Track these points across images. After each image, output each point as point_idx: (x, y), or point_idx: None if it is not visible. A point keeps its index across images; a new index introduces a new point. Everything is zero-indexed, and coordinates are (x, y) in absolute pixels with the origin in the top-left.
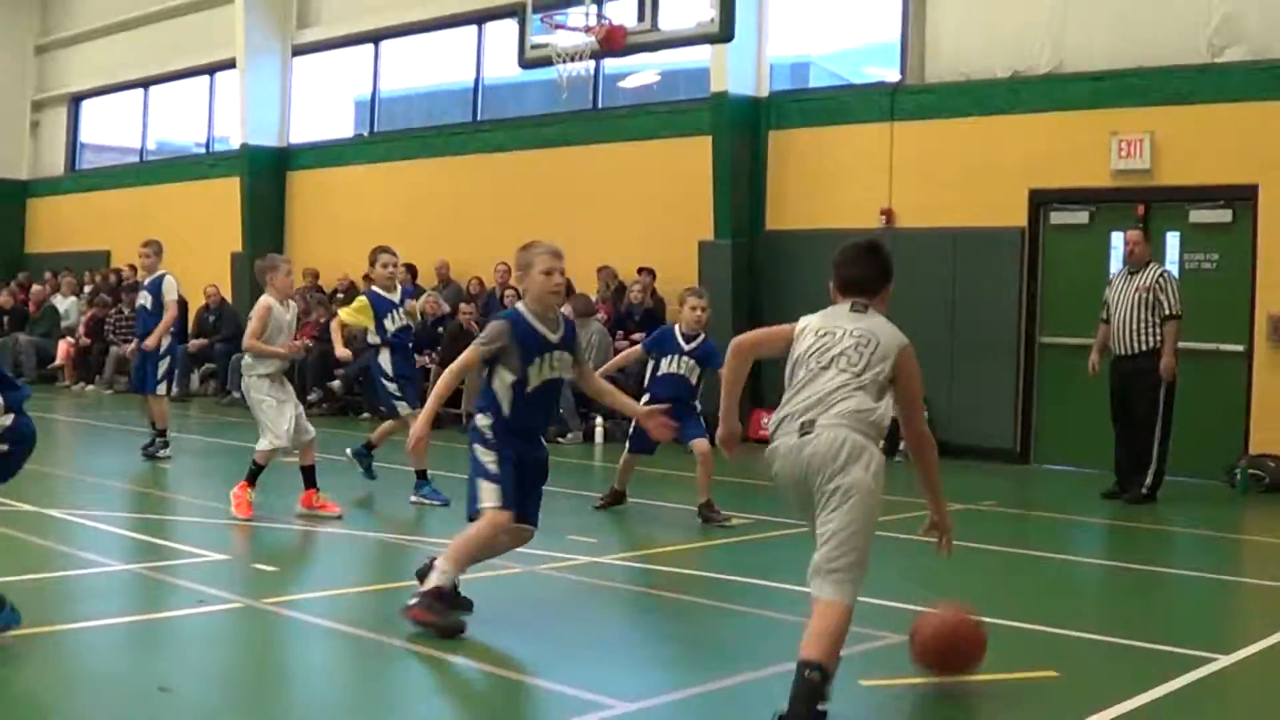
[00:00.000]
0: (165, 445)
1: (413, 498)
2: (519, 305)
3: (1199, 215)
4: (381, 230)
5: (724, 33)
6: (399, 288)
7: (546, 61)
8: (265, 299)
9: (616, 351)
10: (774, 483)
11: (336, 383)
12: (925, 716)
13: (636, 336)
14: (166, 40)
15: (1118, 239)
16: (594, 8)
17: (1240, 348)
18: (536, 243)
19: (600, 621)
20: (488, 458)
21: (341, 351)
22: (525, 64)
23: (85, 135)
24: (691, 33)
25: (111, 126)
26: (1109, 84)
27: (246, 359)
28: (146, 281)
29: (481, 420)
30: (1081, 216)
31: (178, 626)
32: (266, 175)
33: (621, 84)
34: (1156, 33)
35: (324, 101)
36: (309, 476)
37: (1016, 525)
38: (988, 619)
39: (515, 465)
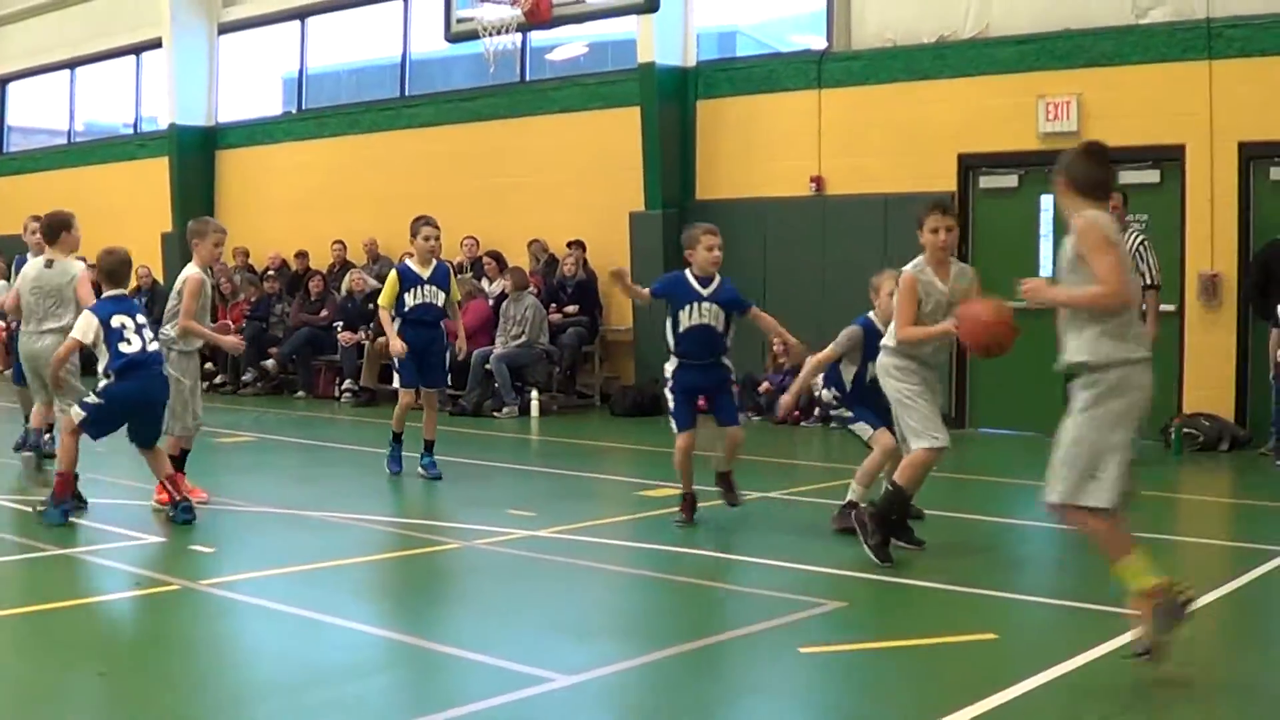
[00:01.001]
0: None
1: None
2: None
3: (1127, 176)
4: (311, 208)
5: (649, 3)
6: (433, 262)
7: (473, 35)
8: (195, 272)
9: (552, 325)
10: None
11: (270, 361)
12: (865, 681)
13: (570, 309)
14: (93, 21)
15: (1047, 202)
16: None
17: (1172, 308)
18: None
19: (539, 595)
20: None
21: (396, 345)
22: (452, 38)
23: (12, 118)
24: (617, 3)
25: (39, 109)
26: (1035, 47)
27: (167, 332)
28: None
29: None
30: (1010, 180)
31: (115, 610)
32: (195, 154)
33: (549, 56)
34: None
35: (252, 79)
36: (182, 460)
37: (954, 489)
38: (926, 583)
39: None
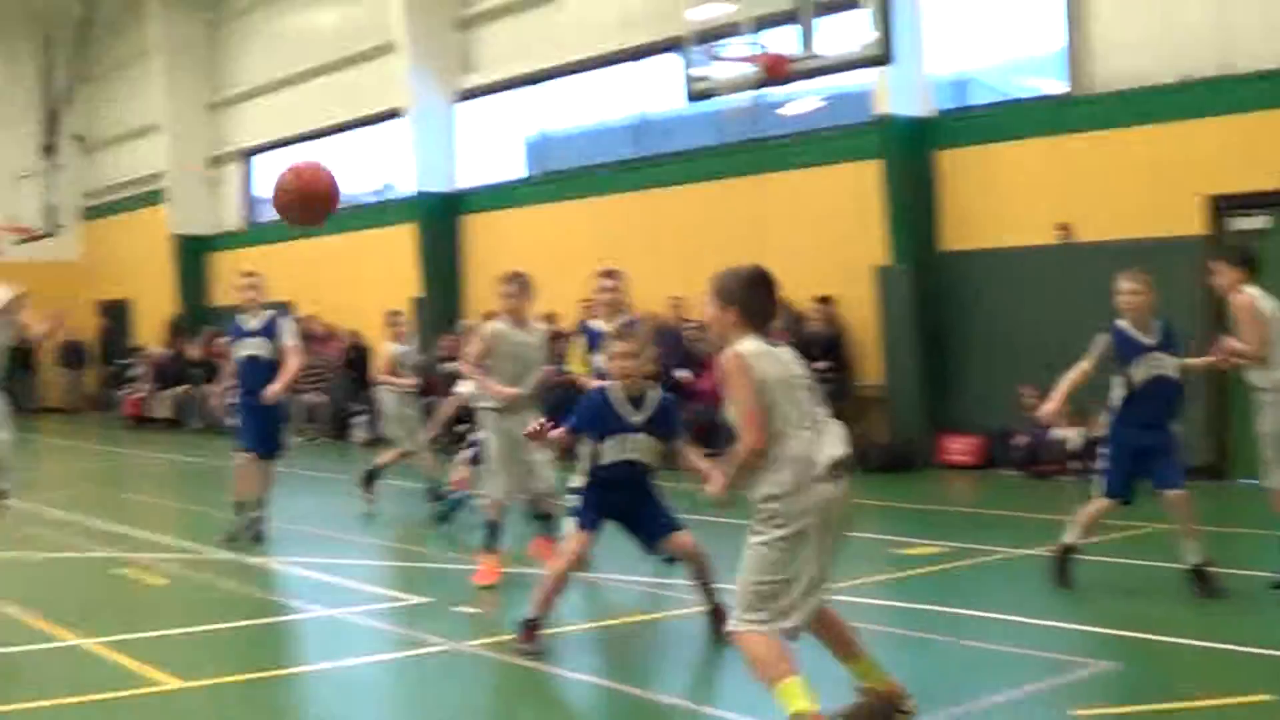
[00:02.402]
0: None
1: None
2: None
3: None
4: (554, 269)
5: (885, 54)
6: (620, 314)
7: (711, 94)
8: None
9: None
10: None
11: None
12: None
13: (818, 366)
14: (335, 92)
15: None
16: (754, 38)
17: None
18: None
19: (801, 655)
20: None
21: None
22: (691, 97)
23: (261, 189)
24: (852, 57)
25: None
26: None
27: None
28: (255, 323)
29: None
30: (1262, 220)
31: (385, 670)
32: (439, 220)
33: (781, 111)
34: None
35: (491, 144)
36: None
37: (1219, 544)
38: (1197, 641)
39: None
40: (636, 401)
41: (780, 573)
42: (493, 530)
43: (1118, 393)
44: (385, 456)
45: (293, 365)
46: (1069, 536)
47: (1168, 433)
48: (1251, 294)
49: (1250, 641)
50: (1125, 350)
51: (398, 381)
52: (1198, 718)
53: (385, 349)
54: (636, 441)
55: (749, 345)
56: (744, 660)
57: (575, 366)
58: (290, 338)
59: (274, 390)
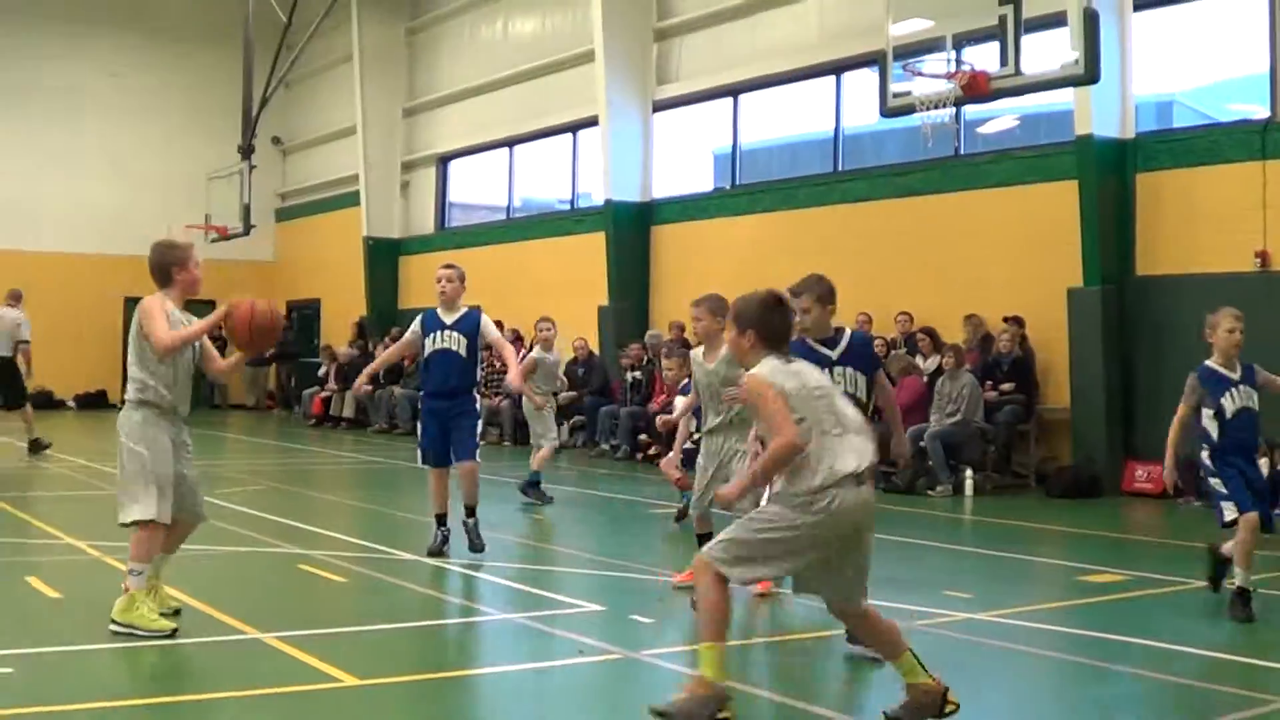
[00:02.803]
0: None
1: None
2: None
3: None
4: (744, 282)
5: (1089, 74)
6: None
7: (909, 110)
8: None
9: (988, 403)
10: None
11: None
12: None
13: (1005, 387)
14: (529, 100)
15: None
16: (955, 54)
17: None
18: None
19: (979, 681)
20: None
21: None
22: (887, 113)
23: (453, 194)
24: (1055, 75)
25: (478, 185)
26: None
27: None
28: (455, 318)
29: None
30: None
31: (558, 676)
32: (630, 230)
33: (980, 130)
34: None
35: (684, 155)
36: None
37: None
38: None
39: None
40: None
41: (774, 547)
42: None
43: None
44: (535, 458)
45: (510, 354)
46: (1239, 580)
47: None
48: None
49: None
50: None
51: (528, 391)
52: None
53: (529, 355)
54: None
55: (766, 365)
56: (696, 595)
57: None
58: (494, 331)
59: (512, 377)
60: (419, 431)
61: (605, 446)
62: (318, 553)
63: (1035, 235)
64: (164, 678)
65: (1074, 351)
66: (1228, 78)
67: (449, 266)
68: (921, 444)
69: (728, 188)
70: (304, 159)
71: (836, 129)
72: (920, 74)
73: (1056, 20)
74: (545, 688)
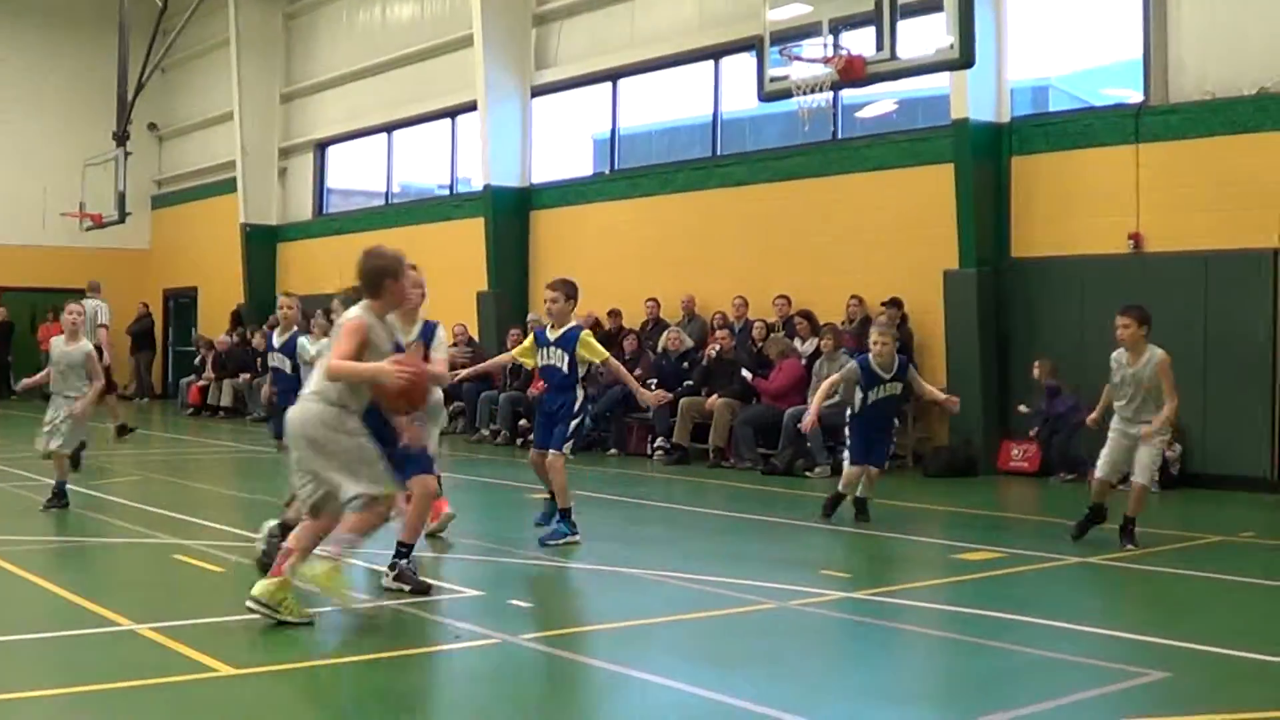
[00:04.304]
0: None
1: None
2: None
3: None
4: (624, 267)
5: (964, 59)
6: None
7: (786, 94)
8: None
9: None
10: None
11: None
12: None
13: None
14: (408, 85)
15: None
16: (832, 39)
17: None
18: None
19: (854, 658)
20: None
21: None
22: (765, 97)
23: (332, 180)
24: (931, 60)
25: (357, 171)
26: None
27: None
28: (280, 343)
29: None
30: None
31: (435, 662)
32: (510, 215)
33: (859, 114)
34: None
35: (564, 141)
36: None
37: (1277, 557)
38: (1254, 654)
39: None
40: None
41: None
42: None
43: None
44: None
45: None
46: None
47: None
48: None
49: None
50: None
51: None
52: None
53: None
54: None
55: None
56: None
57: (524, 358)
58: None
59: None
60: None
61: (485, 432)
62: (195, 543)
63: (912, 218)
64: (36, 671)
65: (950, 333)
66: (1102, 63)
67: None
68: (800, 426)
69: (607, 173)
70: (180, 145)
71: (715, 113)
72: (797, 58)
73: (933, 5)
74: (422, 673)
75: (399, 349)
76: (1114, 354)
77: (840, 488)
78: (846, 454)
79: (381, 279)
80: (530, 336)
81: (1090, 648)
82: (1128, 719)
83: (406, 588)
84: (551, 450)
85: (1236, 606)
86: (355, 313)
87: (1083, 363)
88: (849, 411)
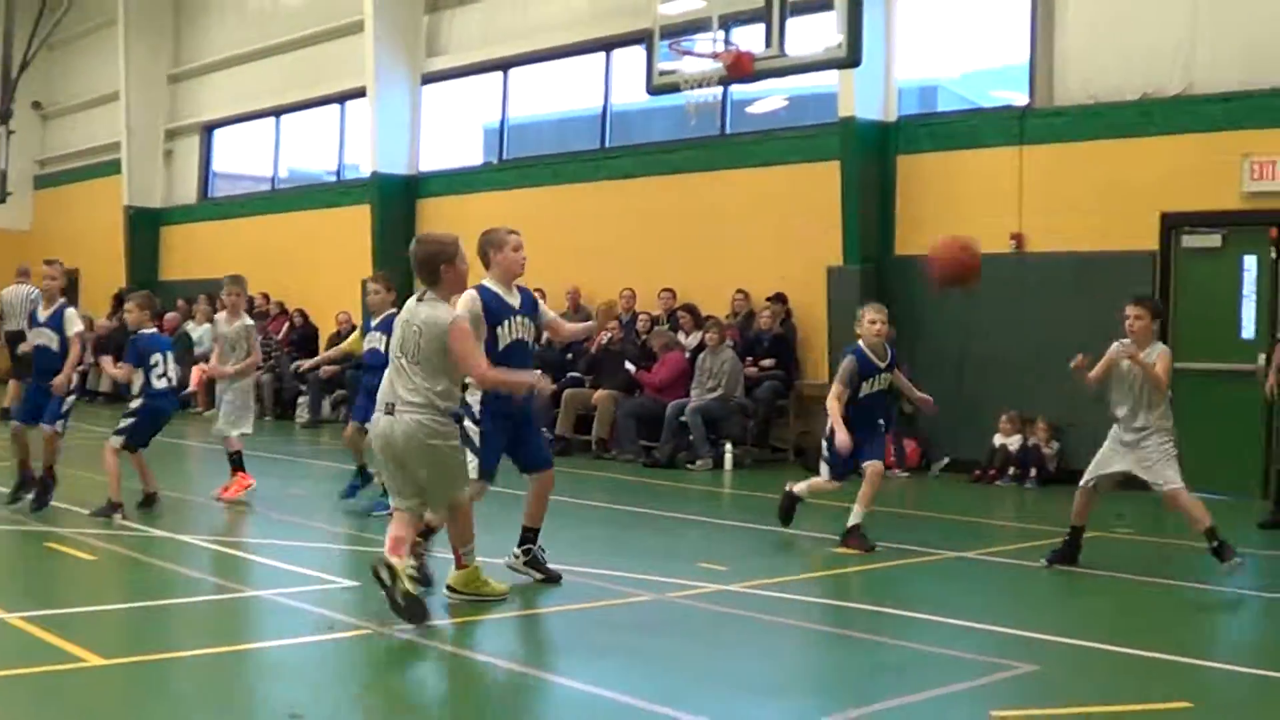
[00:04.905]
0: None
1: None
2: None
3: None
4: None
5: (851, 57)
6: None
7: (674, 88)
8: None
9: (748, 378)
10: None
11: None
12: None
13: (766, 363)
14: (297, 69)
15: (1250, 262)
16: (722, 34)
17: None
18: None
19: (729, 650)
20: None
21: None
22: (653, 90)
23: (218, 164)
24: (819, 58)
25: (243, 155)
26: (1240, 105)
27: None
28: (45, 316)
29: None
30: (1214, 239)
31: (309, 652)
32: (397, 203)
33: (749, 110)
34: None
35: (453, 129)
36: None
37: (1153, 552)
38: (1120, 648)
39: None
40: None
41: None
42: None
43: None
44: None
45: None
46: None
47: None
48: None
49: (1174, 650)
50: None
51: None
52: None
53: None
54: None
55: None
56: None
57: (353, 347)
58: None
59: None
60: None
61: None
62: (66, 530)
63: (798, 214)
64: None
65: (833, 329)
66: (991, 66)
67: (49, 263)
68: (682, 419)
69: (495, 162)
70: (65, 125)
71: (605, 106)
72: (687, 53)
73: (822, 3)
74: (296, 664)
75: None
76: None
77: (798, 489)
78: (823, 464)
79: (437, 264)
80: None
81: (962, 641)
82: (997, 711)
83: (538, 575)
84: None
85: (1109, 600)
86: (457, 312)
87: (964, 360)
88: None
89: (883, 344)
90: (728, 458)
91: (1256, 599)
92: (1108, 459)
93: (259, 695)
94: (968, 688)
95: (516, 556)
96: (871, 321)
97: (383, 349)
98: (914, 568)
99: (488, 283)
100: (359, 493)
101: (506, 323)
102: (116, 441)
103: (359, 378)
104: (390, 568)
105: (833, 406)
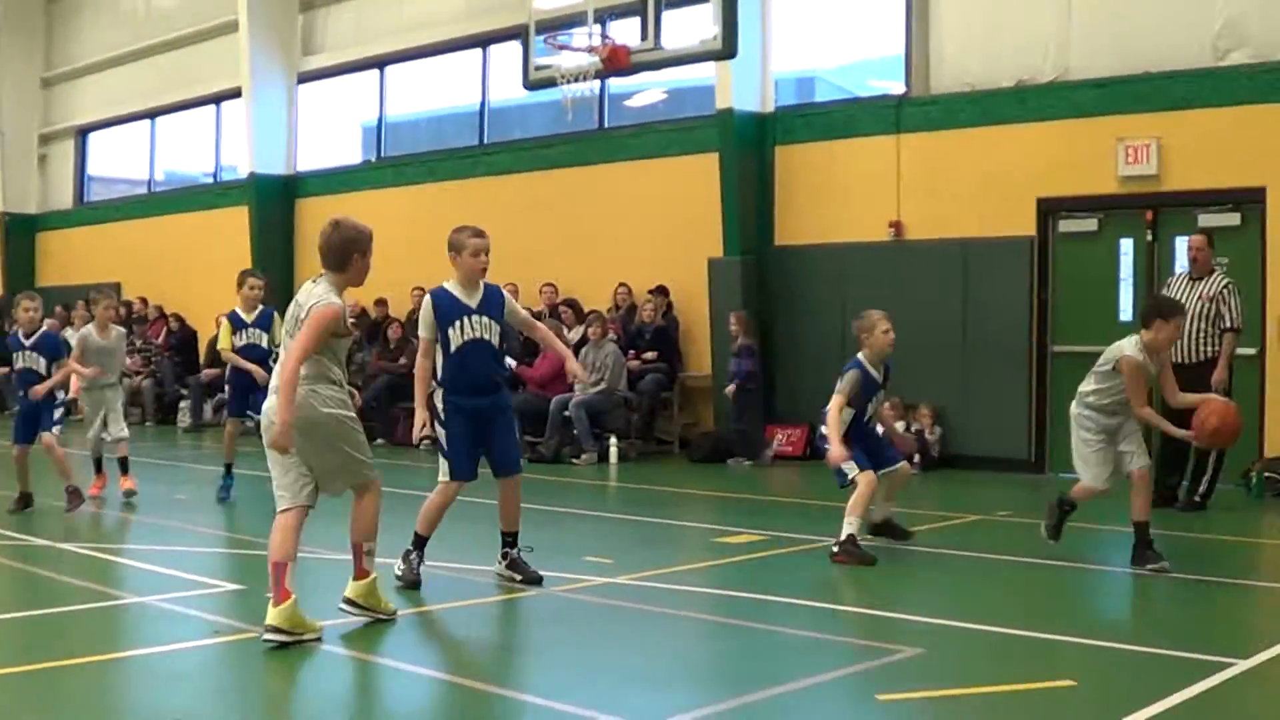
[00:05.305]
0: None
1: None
2: None
3: (1207, 219)
4: (390, 255)
5: (727, 49)
6: (259, 309)
7: (551, 83)
8: None
9: (631, 372)
10: None
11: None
12: None
13: (648, 356)
14: (172, 71)
15: (1127, 245)
16: (598, 28)
17: (1253, 351)
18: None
19: (616, 642)
20: None
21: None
22: (530, 85)
23: (93, 168)
24: (695, 50)
25: (119, 158)
26: (1114, 90)
27: None
28: (30, 340)
29: None
30: (1090, 224)
31: (193, 657)
32: (275, 203)
33: (627, 103)
34: (1161, 38)
35: (330, 128)
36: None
37: (1033, 535)
38: (1003, 629)
39: None
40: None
41: None
42: None
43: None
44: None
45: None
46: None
47: None
48: None
49: (1058, 630)
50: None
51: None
52: (999, 702)
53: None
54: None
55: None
56: None
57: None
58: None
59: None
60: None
61: (249, 424)
62: None
63: (678, 207)
64: None
65: (715, 320)
66: (868, 56)
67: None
68: (566, 413)
69: (373, 160)
70: None
71: (483, 102)
72: (564, 47)
73: None
74: (180, 670)
75: (466, 313)
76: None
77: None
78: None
79: (350, 252)
80: (226, 322)
81: (848, 626)
82: (883, 695)
83: (519, 577)
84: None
85: (991, 584)
86: (334, 302)
87: (846, 349)
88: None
89: (883, 358)
90: (613, 451)
91: (1134, 577)
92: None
93: (144, 702)
94: (854, 672)
95: (499, 562)
96: (885, 331)
97: (263, 344)
98: (799, 555)
99: (447, 283)
100: (232, 491)
101: (459, 323)
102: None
103: (232, 376)
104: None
105: (832, 418)
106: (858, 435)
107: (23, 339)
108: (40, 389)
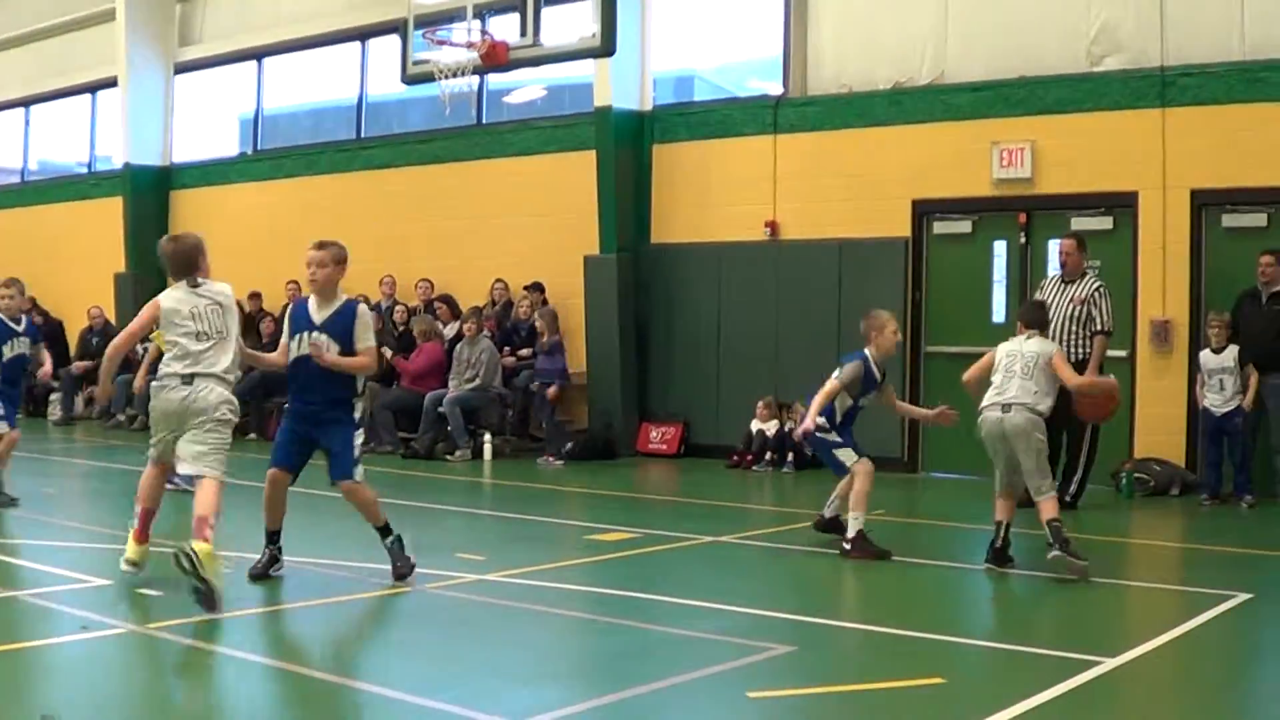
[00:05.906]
0: None
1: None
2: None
3: (1080, 223)
4: (266, 249)
5: (605, 47)
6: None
7: (429, 78)
8: None
9: (506, 368)
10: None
11: None
12: None
13: (523, 353)
14: (47, 59)
15: (1000, 247)
16: (477, 23)
17: (1124, 353)
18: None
19: (486, 639)
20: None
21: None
22: (408, 80)
23: None
24: (573, 48)
25: None
26: (989, 94)
27: None
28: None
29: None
30: (964, 226)
31: (61, 653)
32: (150, 194)
33: (506, 99)
34: (1036, 43)
35: (207, 119)
36: None
37: (905, 533)
38: (873, 627)
39: None
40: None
41: None
42: None
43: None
44: None
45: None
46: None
47: None
48: None
49: (928, 628)
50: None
51: None
52: (870, 699)
53: None
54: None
55: None
56: None
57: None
58: None
59: None
60: None
61: (122, 418)
62: None
63: (555, 203)
64: None
65: (590, 317)
66: (747, 57)
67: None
68: (440, 409)
69: (250, 153)
70: None
71: (361, 96)
72: (442, 42)
73: None
74: (49, 665)
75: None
76: None
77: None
78: (850, 451)
79: (196, 256)
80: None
81: (720, 624)
82: (754, 692)
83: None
84: None
85: (864, 582)
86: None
87: (721, 347)
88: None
89: (888, 357)
90: (487, 448)
91: (1004, 576)
92: None
93: (9, 697)
94: (725, 669)
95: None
96: (894, 332)
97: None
98: (671, 553)
99: (312, 294)
100: None
101: (300, 337)
102: None
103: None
104: (190, 555)
105: (821, 396)
106: (845, 429)
107: None
108: None
